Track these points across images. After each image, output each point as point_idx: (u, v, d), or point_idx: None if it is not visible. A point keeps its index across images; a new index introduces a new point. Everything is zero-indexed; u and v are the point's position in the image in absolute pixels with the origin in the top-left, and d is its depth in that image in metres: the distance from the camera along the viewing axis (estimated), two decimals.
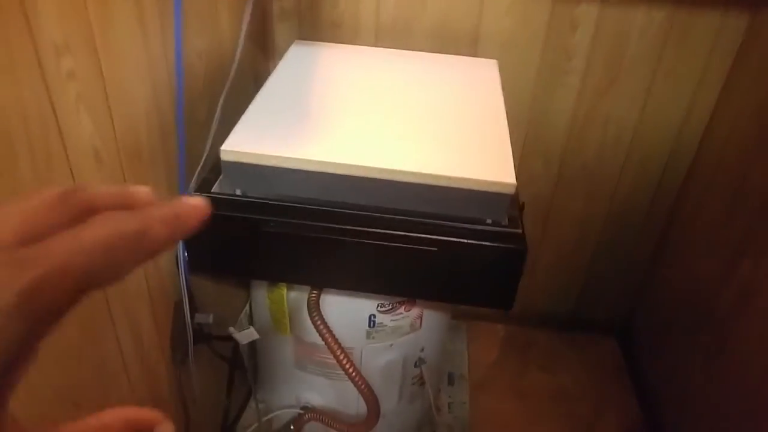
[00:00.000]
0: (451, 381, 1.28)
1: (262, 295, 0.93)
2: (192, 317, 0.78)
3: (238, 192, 0.73)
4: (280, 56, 0.96)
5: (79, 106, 0.56)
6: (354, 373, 0.85)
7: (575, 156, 1.19)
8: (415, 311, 0.91)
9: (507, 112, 0.83)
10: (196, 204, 0.22)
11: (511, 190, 0.69)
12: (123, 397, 0.72)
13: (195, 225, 0.21)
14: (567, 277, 1.39)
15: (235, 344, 0.88)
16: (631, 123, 1.14)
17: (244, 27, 0.89)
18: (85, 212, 0.20)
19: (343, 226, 0.70)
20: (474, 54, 1.07)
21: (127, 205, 0.21)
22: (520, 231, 0.71)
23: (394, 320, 0.90)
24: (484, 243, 0.70)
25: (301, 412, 0.98)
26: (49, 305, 0.17)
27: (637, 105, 1.12)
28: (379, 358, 0.93)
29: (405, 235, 0.70)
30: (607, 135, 1.16)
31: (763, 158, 0.97)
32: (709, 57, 1.05)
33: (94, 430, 0.22)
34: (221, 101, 0.82)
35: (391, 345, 0.93)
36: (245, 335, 0.84)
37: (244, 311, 0.99)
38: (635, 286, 1.38)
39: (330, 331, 0.82)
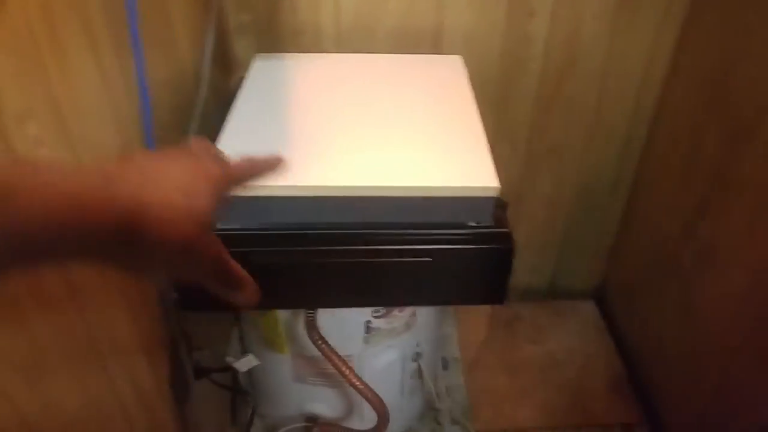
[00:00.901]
0: (445, 366, 1.30)
1: (252, 318, 0.92)
2: (189, 355, 0.77)
3: (219, 225, 0.71)
4: (242, 71, 0.93)
5: None
6: (362, 386, 0.85)
7: (541, 137, 1.21)
8: (408, 310, 0.91)
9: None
10: (277, 156, 0.46)
11: (495, 193, 0.70)
12: None
13: (279, 168, 0.47)
14: (543, 251, 1.42)
15: (235, 371, 0.87)
16: (592, 100, 1.17)
17: (209, 47, 0.86)
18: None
19: (334, 248, 0.70)
20: (438, 51, 1.06)
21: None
22: (507, 230, 0.73)
23: (389, 323, 0.91)
24: (474, 246, 0.71)
25: (308, 424, 0.98)
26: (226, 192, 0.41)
27: (596, 84, 1.14)
28: (378, 361, 0.94)
29: (397, 249, 0.70)
30: (572, 114, 1.18)
31: (712, 123, 1.01)
32: (658, 30, 1.08)
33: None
34: (192, 129, 0.80)
35: (389, 346, 0.94)
36: (244, 363, 0.83)
37: (234, 336, 0.98)
38: (607, 251, 1.43)
39: (332, 349, 0.82)
